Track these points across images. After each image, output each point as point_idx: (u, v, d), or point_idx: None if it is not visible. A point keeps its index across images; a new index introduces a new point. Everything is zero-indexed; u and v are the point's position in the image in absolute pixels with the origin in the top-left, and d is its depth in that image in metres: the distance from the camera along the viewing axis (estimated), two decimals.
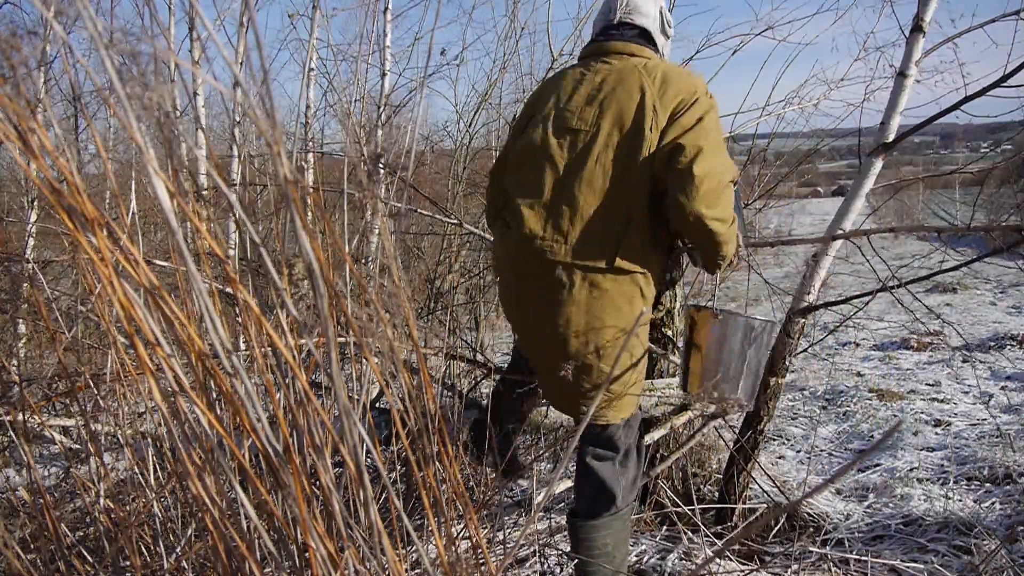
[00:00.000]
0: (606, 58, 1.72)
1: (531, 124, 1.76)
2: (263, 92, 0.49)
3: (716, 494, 2.77)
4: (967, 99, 2.23)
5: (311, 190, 2.16)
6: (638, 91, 1.61)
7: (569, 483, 2.31)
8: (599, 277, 1.61)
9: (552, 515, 2.62)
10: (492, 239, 2.08)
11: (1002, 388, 4.43)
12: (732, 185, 1.63)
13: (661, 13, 1.80)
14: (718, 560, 2.09)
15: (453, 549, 0.85)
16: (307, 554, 0.79)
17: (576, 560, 1.74)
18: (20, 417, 1.38)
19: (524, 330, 1.75)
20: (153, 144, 0.55)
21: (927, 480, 3.01)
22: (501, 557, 1.73)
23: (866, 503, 2.81)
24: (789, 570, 2.09)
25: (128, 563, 1.19)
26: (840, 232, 2.38)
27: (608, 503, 1.71)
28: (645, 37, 1.78)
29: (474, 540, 1.00)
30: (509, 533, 2.11)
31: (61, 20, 0.53)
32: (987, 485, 2.91)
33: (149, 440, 1.34)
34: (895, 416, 3.99)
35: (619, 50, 1.72)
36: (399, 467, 1.78)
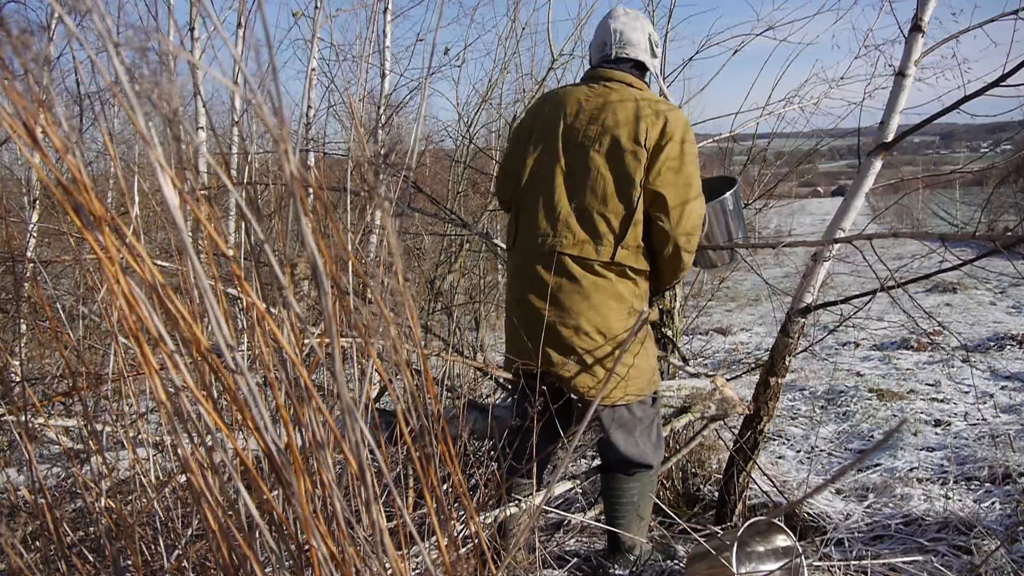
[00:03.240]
0: (608, 83, 1.95)
1: (537, 138, 1.99)
2: (271, 89, 0.50)
3: (716, 494, 2.77)
4: (967, 98, 2.22)
5: (317, 188, 2.16)
6: (634, 116, 1.87)
7: (569, 484, 2.31)
8: (601, 270, 1.88)
9: (551, 514, 2.62)
10: (504, 245, 2.35)
11: (1002, 388, 4.43)
12: (700, 198, 1.92)
13: (649, 37, 2.02)
14: None
15: (455, 549, 0.86)
16: (308, 553, 0.79)
17: (605, 508, 2.06)
18: (22, 417, 1.38)
19: (529, 321, 1.94)
20: (159, 141, 0.55)
21: (927, 480, 3.00)
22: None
23: (866, 503, 2.81)
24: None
25: (129, 562, 1.19)
26: (841, 234, 2.37)
27: (636, 466, 1.99)
28: (639, 67, 2.02)
29: (475, 540, 1.00)
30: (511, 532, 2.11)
31: (68, 18, 0.53)
32: (987, 485, 2.91)
33: (150, 439, 1.34)
34: (895, 416, 3.99)
35: (619, 79, 1.95)
36: (400, 467, 1.78)
